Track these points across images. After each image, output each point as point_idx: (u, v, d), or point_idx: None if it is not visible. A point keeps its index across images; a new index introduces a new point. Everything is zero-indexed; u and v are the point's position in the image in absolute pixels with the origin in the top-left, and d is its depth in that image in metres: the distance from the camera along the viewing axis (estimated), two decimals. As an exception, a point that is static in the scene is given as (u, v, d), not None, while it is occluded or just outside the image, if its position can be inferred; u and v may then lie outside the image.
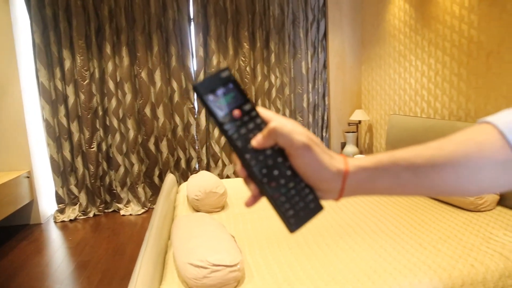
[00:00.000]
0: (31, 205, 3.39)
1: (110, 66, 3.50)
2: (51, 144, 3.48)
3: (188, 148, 3.84)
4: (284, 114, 3.92)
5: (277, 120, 0.39)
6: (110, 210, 3.72)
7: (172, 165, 3.81)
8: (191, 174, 3.78)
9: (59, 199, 3.56)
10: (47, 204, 3.60)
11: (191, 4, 3.64)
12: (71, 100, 3.47)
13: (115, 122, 3.59)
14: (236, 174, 3.90)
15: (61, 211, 3.55)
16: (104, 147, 3.65)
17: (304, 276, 1.45)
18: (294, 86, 3.96)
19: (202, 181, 2.36)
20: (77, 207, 3.59)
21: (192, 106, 3.79)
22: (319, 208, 0.40)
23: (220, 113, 0.38)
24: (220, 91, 0.39)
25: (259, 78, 3.84)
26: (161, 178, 3.80)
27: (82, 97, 3.47)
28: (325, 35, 3.97)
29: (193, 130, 3.83)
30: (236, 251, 1.46)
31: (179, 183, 3.69)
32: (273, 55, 3.84)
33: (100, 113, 3.59)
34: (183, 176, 3.84)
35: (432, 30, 2.81)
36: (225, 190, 2.34)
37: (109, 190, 3.73)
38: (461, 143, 0.39)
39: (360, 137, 4.17)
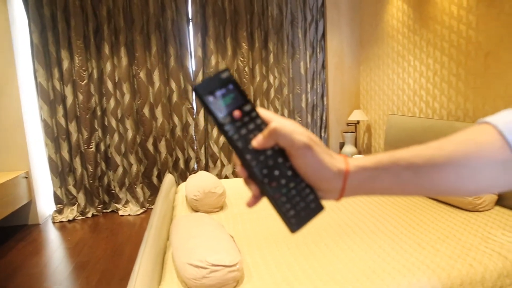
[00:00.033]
0: (29, 206, 3.38)
1: (108, 66, 3.50)
2: (49, 144, 3.48)
3: (187, 148, 3.84)
4: (282, 114, 3.92)
5: (277, 121, 0.39)
6: (108, 211, 3.71)
7: (170, 165, 3.81)
8: (189, 174, 3.78)
9: (57, 200, 3.55)
10: (45, 205, 3.59)
11: (189, 4, 3.64)
12: (69, 100, 3.46)
13: (113, 122, 3.58)
14: (235, 174, 3.90)
15: (60, 211, 3.54)
16: (102, 147, 3.64)
17: (303, 276, 1.45)
18: (293, 86, 3.96)
19: (201, 181, 2.36)
20: (75, 207, 3.58)
21: (190, 106, 3.79)
22: (320, 208, 0.40)
23: (220, 114, 0.38)
24: (220, 92, 0.39)
25: (258, 78, 3.84)
26: (160, 178, 3.79)
27: (81, 97, 3.46)
28: (323, 35, 3.98)
29: (192, 130, 3.83)
30: (235, 251, 1.46)
31: (177, 183, 3.68)
32: (271, 55, 3.84)
33: (99, 113, 3.58)
34: (182, 176, 3.83)
35: (431, 31, 2.82)
36: (224, 190, 2.34)
37: (108, 191, 3.73)
38: (461, 143, 0.39)
39: (359, 137, 4.18)
